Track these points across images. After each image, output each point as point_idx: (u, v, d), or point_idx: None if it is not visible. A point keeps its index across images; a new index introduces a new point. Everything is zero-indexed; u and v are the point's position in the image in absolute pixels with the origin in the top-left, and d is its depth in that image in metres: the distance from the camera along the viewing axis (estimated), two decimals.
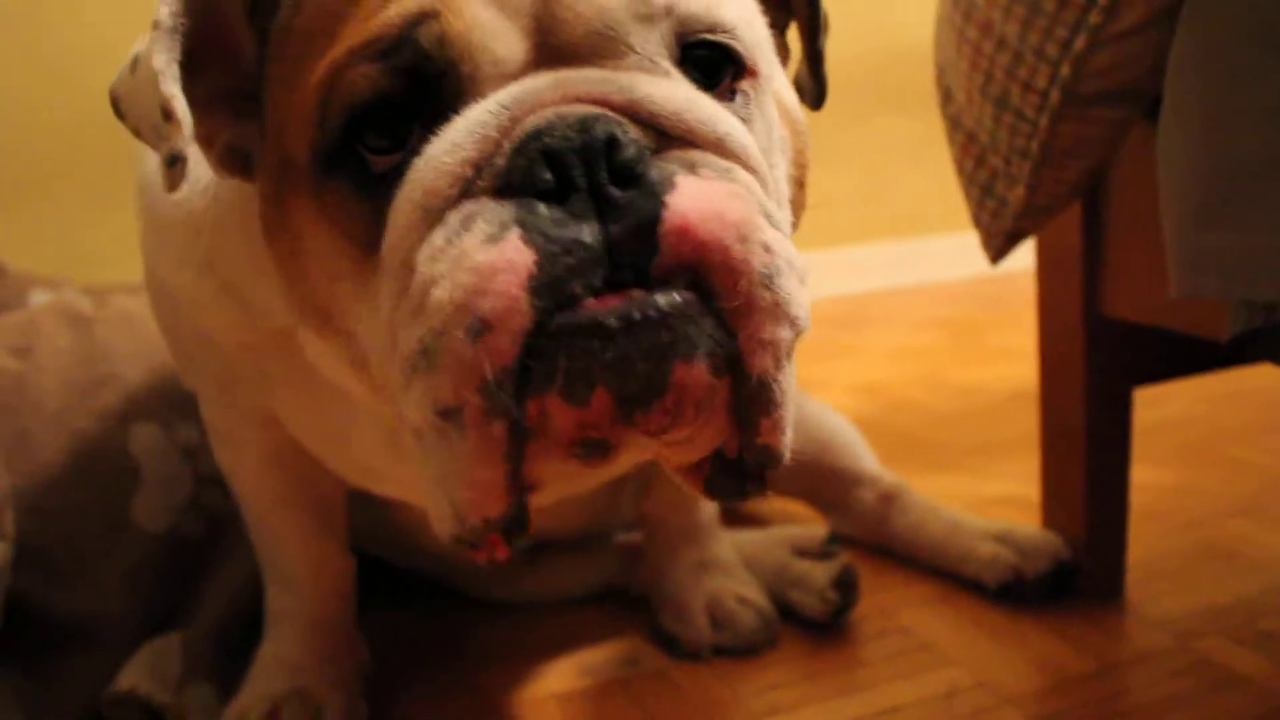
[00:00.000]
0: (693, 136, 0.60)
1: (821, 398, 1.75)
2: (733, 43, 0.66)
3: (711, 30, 0.65)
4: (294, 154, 0.66)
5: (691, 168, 0.58)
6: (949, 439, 1.77)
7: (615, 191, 0.56)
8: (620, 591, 1.25)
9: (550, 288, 0.54)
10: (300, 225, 0.66)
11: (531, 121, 0.58)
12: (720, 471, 0.62)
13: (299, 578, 1.02)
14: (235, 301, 0.81)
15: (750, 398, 0.58)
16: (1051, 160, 0.95)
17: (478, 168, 0.58)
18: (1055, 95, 0.91)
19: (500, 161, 0.57)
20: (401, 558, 1.25)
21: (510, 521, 0.58)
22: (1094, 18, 0.86)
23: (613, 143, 0.57)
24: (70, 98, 2.23)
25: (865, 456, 1.37)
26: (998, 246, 1.04)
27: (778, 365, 0.58)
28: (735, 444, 0.60)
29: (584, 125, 0.57)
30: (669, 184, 0.56)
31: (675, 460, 0.63)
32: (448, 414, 0.56)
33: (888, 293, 3.04)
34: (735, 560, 1.18)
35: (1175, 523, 1.36)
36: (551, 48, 0.61)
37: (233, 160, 0.72)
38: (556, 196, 0.56)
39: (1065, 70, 0.89)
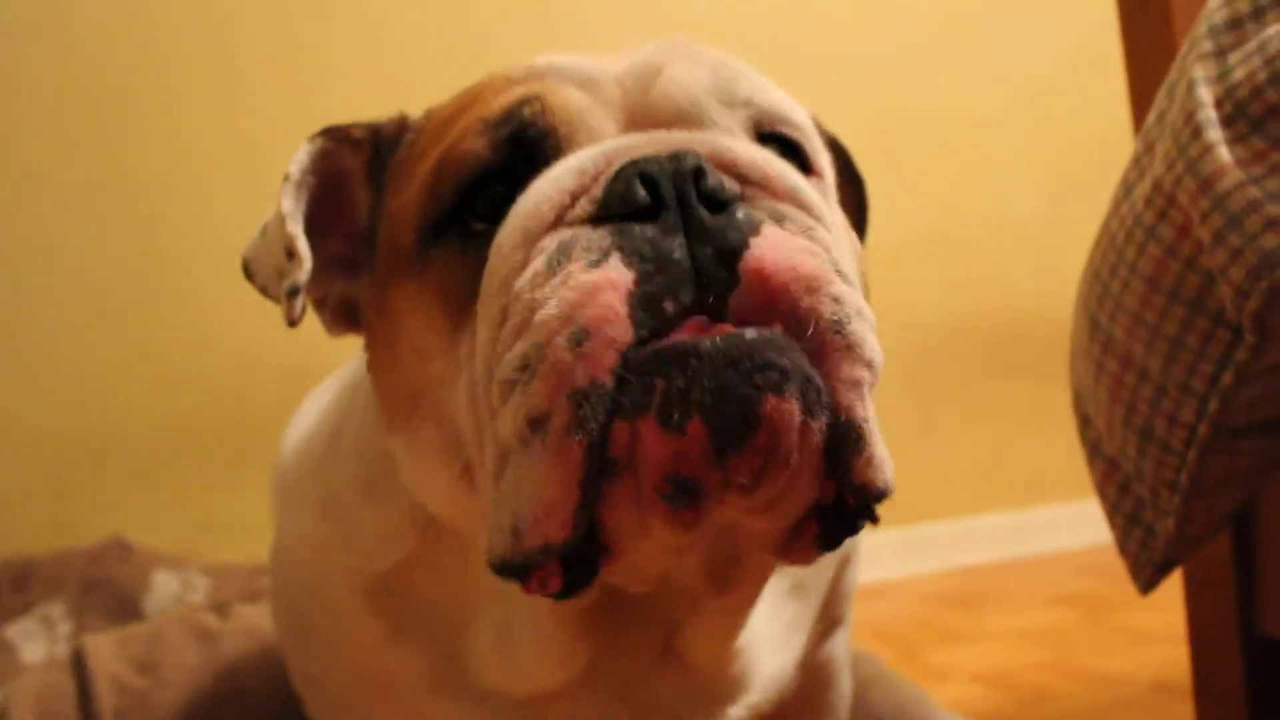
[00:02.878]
0: (770, 184, 0.63)
1: (945, 689, 1.66)
2: (803, 141, 0.72)
3: (785, 124, 0.72)
4: (401, 243, 0.72)
5: (778, 219, 0.61)
6: None
7: (704, 213, 0.60)
8: None
9: (645, 303, 0.57)
10: (399, 308, 0.71)
11: (626, 157, 0.63)
12: (825, 521, 0.62)
13: None
14: (351, 543, 0.83)
15: (839, 439, 0.58)
16: (1202, 492, 0.91)
17: (575, 197, 0.62)
18: (1204, 429, 0.88)
19: (597, 192, 0.62)
20: None
21: (573, 556, 0.59)
22: (1241, 354, 0.84)
23: (700, 172, 0.61)
24: (194, 383, 2.34)
25: None
26: (1147, 578, 1.00)
27: (862, 403, 0.59)
28: (832, 490, 0.60)
29: (675, 155, 0.61)
30: (754, 227, 0.60)
31: (769, 529, 0.62)
32: (536, 423, 0.57)
33: (1010, 565, 2.93)
34: None
35: None
36: (641, 125, 0.68)
37: (343, 314, 0.80)
38: (649, 215, 0.60)
39: (1213, 405, 0.87)
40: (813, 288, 0.59)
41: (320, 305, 0.79)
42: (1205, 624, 1.11)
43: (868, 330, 0.61)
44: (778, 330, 0.58)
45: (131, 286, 2.33)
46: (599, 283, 0.58)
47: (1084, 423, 1.04)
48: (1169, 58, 1.01)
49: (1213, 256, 0.82)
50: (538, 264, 0.60)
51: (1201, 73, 0.85)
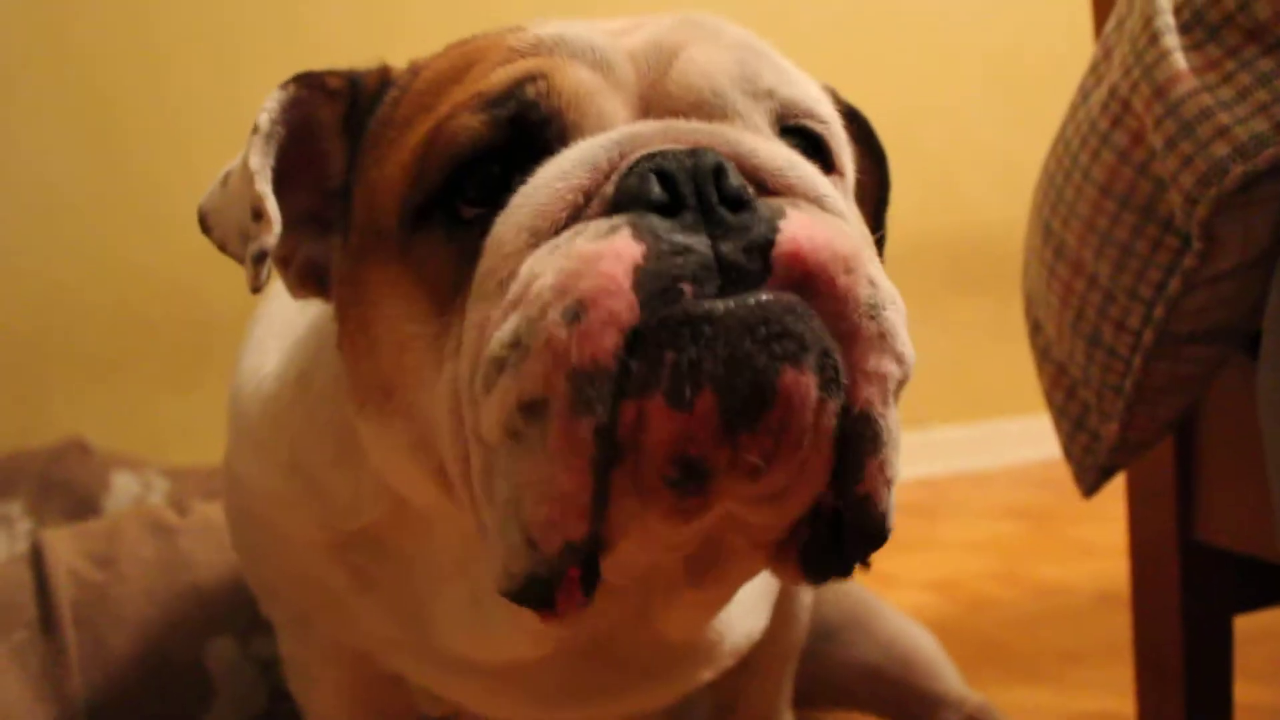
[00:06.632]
0: (793, 192, 0.59)
1: (895, 595, 1.70)
2: (827, 136, 0.67)
3: (810, 117, 0.66)
4: (381, 222, 0.66)
5: (798, 208, 0.57)
6: (1033, 644, 1.71)
7: (727, 212, 0.55)
8: None
9: (657, 280, 0.52)
10: (377, 292, 0.66)
11: (641, 151, 0.58)
12: (818, 540, 0.58)
13: None
14: (320, 502, 0.80)
15: (855, 434, 0.54)
16: (1145, 398, 0.93)
17: (588, 195, 0.57)
18: (1149, 335, 0.90)
19: (609, 190, 0.57)
20: None
21: (588, 554, 0.54)
22: (1188, 261, 0.86)
23: (721, 171, 0.56)
24: (151, 283, 2.32)
25: (948, 675, 1.32)
26: (1090, 482, 1.02)
27: (884, 402, 0.55)
28: (831, 499, 0.56)
29: (694, 153, 0.57)
30: (780, 213, 0.55)
31: (768, 524, 0.58)
32: (531, 409, 0.53)
33: (963, 476, 2.98)
34: None
35: None
36: (656, 112, 0.63)
37: (309, 277, 0.74)
38: (667, 212, 0.55)
39: (1159, 311, 0.88)
40: (850, 266, 0.55)
41: (284, 265, 0.73)
42: (1146, 530, 1.14)
43: (901, 323, 0.57)
44: (795, 297, 0.53)
45: (86, 185, 2.30)
46: (601, 251, 0.53)
47: (1034, 328, 1.05)
48: None
49: (1164, 163, 0.83)
50: (541, 251, 0.56)
51: None
